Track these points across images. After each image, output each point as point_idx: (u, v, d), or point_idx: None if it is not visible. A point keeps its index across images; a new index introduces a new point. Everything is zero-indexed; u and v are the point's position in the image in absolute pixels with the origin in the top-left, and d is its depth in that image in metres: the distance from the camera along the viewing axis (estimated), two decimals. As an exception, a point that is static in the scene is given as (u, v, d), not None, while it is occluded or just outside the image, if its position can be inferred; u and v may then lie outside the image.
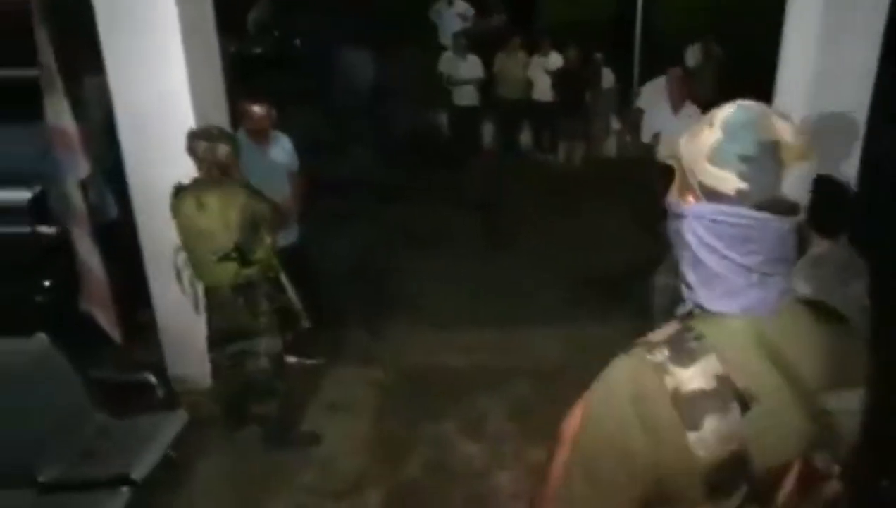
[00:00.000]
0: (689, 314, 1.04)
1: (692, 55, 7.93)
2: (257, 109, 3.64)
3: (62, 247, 3.64)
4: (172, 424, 3.06)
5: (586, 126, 7.98)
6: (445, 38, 8.59)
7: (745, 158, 0.98)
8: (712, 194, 1.00)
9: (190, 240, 3.07)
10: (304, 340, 3.59)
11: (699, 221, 1.00)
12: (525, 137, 8.50)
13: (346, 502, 3.12)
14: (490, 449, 3.38)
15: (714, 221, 0.99)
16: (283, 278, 3.16)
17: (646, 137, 6.39)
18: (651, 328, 1.05)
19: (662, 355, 0.97)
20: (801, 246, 1.03)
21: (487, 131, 8.54)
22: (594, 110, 8.04)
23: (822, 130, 3.36)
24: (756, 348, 0.97)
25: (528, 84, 8.08)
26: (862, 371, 1.03)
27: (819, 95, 3.36)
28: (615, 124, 8.40)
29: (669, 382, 0.95)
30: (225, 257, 3.01)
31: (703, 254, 1.00)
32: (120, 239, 3.71)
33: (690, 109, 5.18)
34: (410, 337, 4.32)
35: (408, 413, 3.66)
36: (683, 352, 0.97)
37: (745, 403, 0.94)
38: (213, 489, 3.19)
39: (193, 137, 2.99)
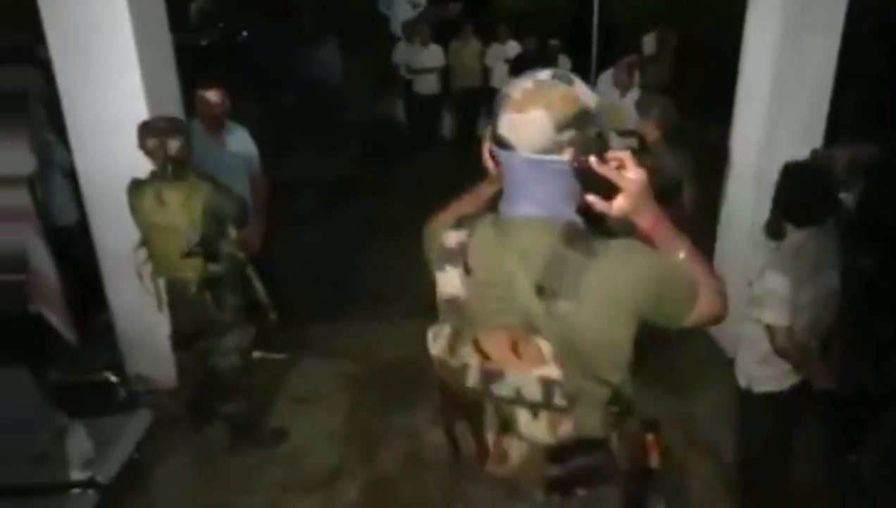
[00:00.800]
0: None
1: (648, 43, 8.16)
2: (212, 95, 3.60)
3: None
4: (136, 425, 3.06)
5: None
6: (397, 28, 8.65)
7: None
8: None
9: (151, 236, 3.04)
10: (270, 335, 3.60)
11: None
12: (483, 126, 8.63)
13: (318, 496, 3.16)
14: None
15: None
16: (250, 272, 3.16)
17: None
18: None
19: (457, 222, 1.44)
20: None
21: (446, 121, 8.64)
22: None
23: (783, 124, 3.53)
24: (497, 239, 1.36)
25: (485, 72, 8.19)
26: (579, 289, 1.27)
27: (781, 92, 3.53)
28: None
29: (444, 236, 1.42)
30: (190, 253, 3.00)
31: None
32: (79, 239, 3.65)
33: (635, 93, 5.38)
34: (378, 329, 4.35)
35: (378, 405, 3.71)
36: (462, 223, 1.42)
37: (467, 268, 1.37)
38: (180, 490, 3.19)
39: (143, 132, 2.96)
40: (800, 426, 2.73)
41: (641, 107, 3.86)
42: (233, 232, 3.06)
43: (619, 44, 8.33)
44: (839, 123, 3.62)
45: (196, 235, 2.97)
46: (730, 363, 2.91)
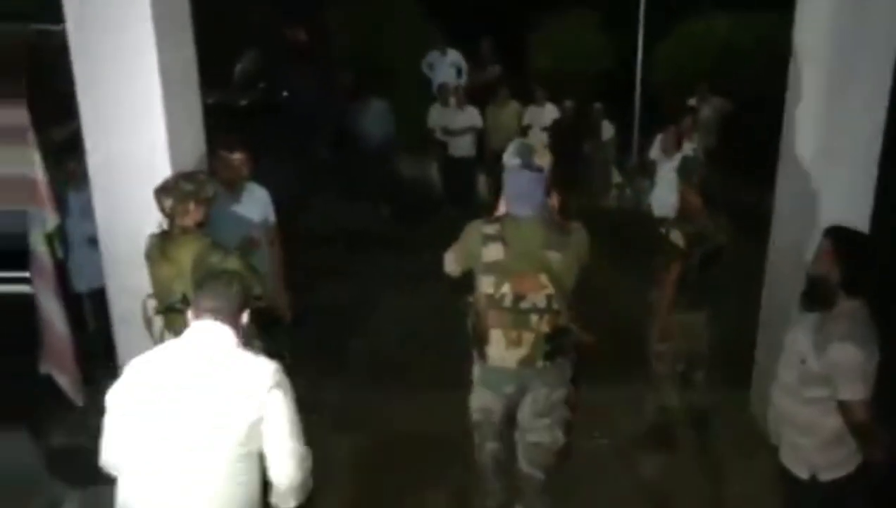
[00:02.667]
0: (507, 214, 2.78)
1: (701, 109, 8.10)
2: (233, 156, 3.67)
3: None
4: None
5: (585, 179, 8.09)
6: (440, 90, 8.79)
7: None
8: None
9: (154, 289, 3.12)
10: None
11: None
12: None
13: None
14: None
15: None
16: (255, 344, 3.13)
17: (657, 192, 6.50)
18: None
19: (487, 222, 2.73)
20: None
21: (481, 183, 8.68)
22: (593, 162, 8.18)
23: (829, 188, 3.44)
24: (516, 228, 2.70)
25: (523, 136, 8.23)
26: (567, 246, 2.70)
27: (827, 144, 3.46)
28: (616, 177, 8.53)
29: (483, 228, 2.71)
30: (168, 309, 3.02)
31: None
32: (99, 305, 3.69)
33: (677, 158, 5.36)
34: (396, 398, 4.25)
35: (389, 484, 3.58)
36: (493, 221, 2.73)
37: (505, 242, 2.65)
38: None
39: (155, 191, 3.09)
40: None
41: (683, 171, 3.78)
42: None
43: (663, 104, 8.36)
44: (890, 185, 3.49)
45: (181, 290, 2.98)
46: (773, 451, 2.75)
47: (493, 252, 2.65)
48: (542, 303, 2.65)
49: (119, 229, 3.48)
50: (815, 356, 2.40)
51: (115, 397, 2.09)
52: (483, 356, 2.74)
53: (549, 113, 8.20)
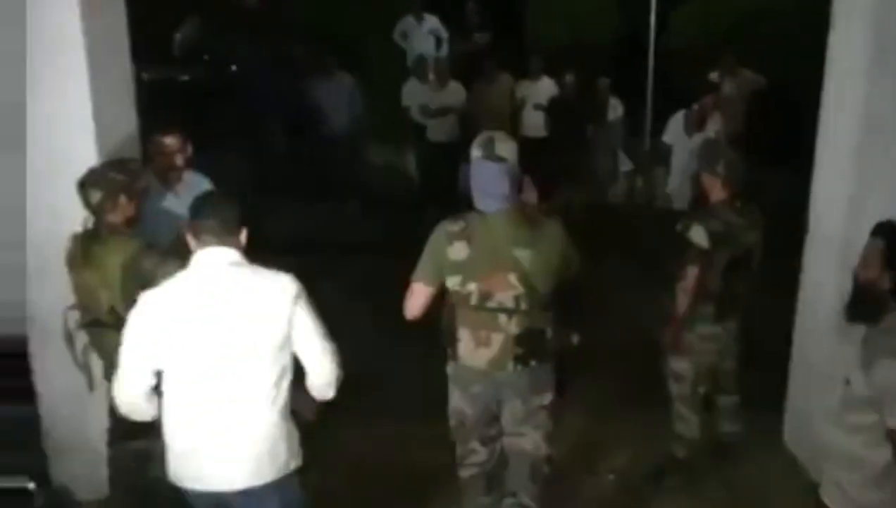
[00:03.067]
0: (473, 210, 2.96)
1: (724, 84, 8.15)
2: (168, 141, 3.64)
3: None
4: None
5: (588, 167, 8.11)
6: (417, 63, 8.79)
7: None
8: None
9: (77, 299, 3.10)
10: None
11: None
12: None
13: None
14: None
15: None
16: None
17: (674, 181, 6.57)
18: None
19: (453, 221, 2.93)
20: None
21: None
22: (598, 148, 8.20)
23: (877, 179, 3.47)
24: (483, 225, 2.89)
25: (515, 116, 8.23)
26: (539, 243, 2.89)
27: (875, 125, 3.48)
28: (625, 165, 8.57)
29: (448, 227, 2.92)
30: (92, 324, 3.02)
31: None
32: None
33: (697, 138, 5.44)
34: (362, 430, 4.25)
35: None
36: (459, 219, 2.93)
37: (469, 240, 2.85)
38: None
39: (79, 184, 3.07)
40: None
41: (705, 157, 3.78)
42: None
43: (680, 79, 8.37)
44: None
45: (109, 301, 2.98)
46: (812, 487, 2.78)
47: (458, 251, 2.87)
48: (510, 303, 2.87)
49: (35, 229, 3.42)
50: (861, 375, 2.41)
51: (137, 332, 2.50)
52: (455, 355, 3.01)
53: (545, 88, 8.22)
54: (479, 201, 2.92)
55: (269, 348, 2.47)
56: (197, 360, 2.46)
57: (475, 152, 2.93)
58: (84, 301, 3.08)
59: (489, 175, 2.89)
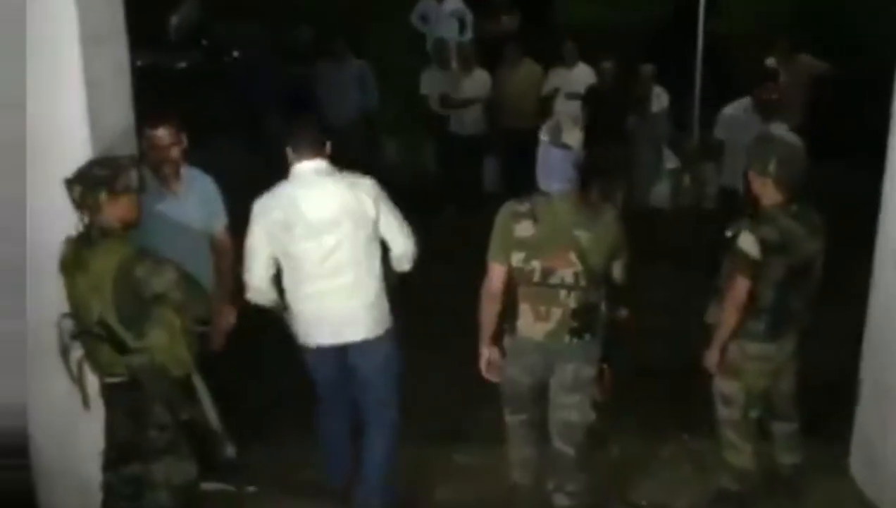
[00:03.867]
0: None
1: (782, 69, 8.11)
2: (161, 133, 3.67)
3: None
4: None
5: (629, 164, 8.08)
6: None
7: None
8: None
9: (70, 306, 3.14)
10: (232, 460, 3.55)
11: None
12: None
13: None
14: None
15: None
16: (197, 382, 3.19)
17: (726, 181, 6.55)
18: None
19: (519, 201, 3.45)
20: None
21: (489, 169, 8.70)
22: (640, 142, 8.17)
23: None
24: (548, 205, 3.39)
25: (546, 107, 8.25)
26: (596, 225, 3.37)
27: None
28: (670, 161, 8.54)
29: (514, 207, 3.43)
30: (81, 334, 3.07)
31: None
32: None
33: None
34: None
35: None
36: (524, 200, 3.43)
37: (535, 219, 3.37)
38: None
39: (65, 179, 3.11)
40: None
41: (755, 154, 3.72)
42: (174, 319, 3.10)
43: (731, 65, 8.31)
44: None
45: (100, 310, 3.02)
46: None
47: (524, 229, 3.38)
48: (569, 279, 3.36)
49: (20, 230, 3.47)
50: None
51: (257, 234, 3.57)
52: (513, 329, 3.52)
53: (581, 76, 8.22)
54: (545, 183, 3.40)
55: (363, 233, 3.56)
56: (309, 250, 3.52)
57: (543, 137, 3.40)
58: (76, 309, 3.13)
59: (555, 160, 3.36)
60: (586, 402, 3.55)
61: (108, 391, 3.24)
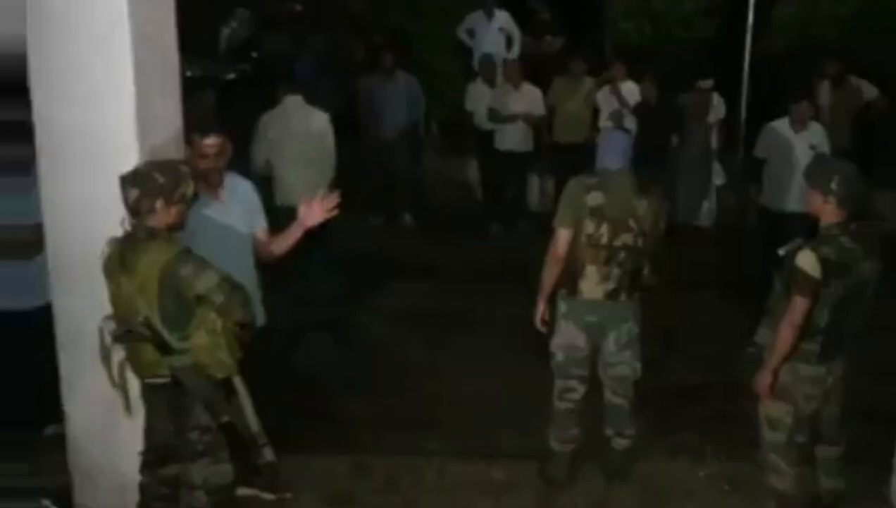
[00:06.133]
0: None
1: (823, 94, 7.99)
2: (206, 142, 3.66)
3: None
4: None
5: (673, 180, 7.96)
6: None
7: None
8: None
9: (113, 308, 3.15)
10: (271, 464, 3.54)
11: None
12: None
13: None
14: None
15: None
16: (238, 385, 3.18)
17: (766, 199, 6.49)
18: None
19: (588, 176, 4.10)
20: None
21: (535, 187, 8.67)
22: (691, 158, 8.04)
23: None
24: (612, 178, 4.02)
25: (594, 124, 8.14)
26: (647, 201, 4.00)
27: None
28: (719, 177, 8.39)
29: (584, 181, 4.04)
30: (123, 336, 3.07)
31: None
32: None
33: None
34: (409, 469, 4.25)
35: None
36: (591, 175, 4.09)
37: (604, 190, 3.95)
38: None
39: (121, 177, 3.14)
40: None
41: (816, 173, 3.65)
42: (216, 321, 3.10)
43: (779, 84, 8.20)
44: None
45: (144, 310, 3.03)
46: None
47: (595, 198, 3.92)
48: (630, 242, 3.91)
49: (71, 230, 3.52)
50: None
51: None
52: (574, 291, 4.00)
53: (628, 93, 8.14)
54: (608, 162, 4.02)
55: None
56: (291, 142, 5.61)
57: (605, 123, 4.38)
58: (120, 311, 3.14)
59: (618, 142, 4.14)
60: (636, 357, 4.09)
61: (149, 393, 3.25)
